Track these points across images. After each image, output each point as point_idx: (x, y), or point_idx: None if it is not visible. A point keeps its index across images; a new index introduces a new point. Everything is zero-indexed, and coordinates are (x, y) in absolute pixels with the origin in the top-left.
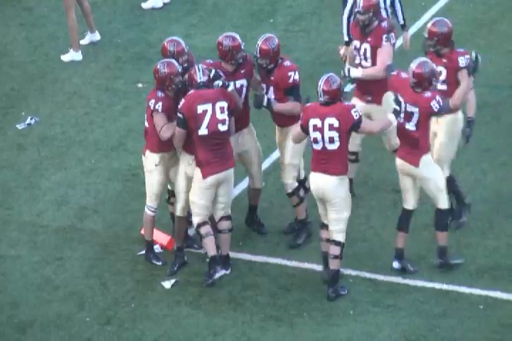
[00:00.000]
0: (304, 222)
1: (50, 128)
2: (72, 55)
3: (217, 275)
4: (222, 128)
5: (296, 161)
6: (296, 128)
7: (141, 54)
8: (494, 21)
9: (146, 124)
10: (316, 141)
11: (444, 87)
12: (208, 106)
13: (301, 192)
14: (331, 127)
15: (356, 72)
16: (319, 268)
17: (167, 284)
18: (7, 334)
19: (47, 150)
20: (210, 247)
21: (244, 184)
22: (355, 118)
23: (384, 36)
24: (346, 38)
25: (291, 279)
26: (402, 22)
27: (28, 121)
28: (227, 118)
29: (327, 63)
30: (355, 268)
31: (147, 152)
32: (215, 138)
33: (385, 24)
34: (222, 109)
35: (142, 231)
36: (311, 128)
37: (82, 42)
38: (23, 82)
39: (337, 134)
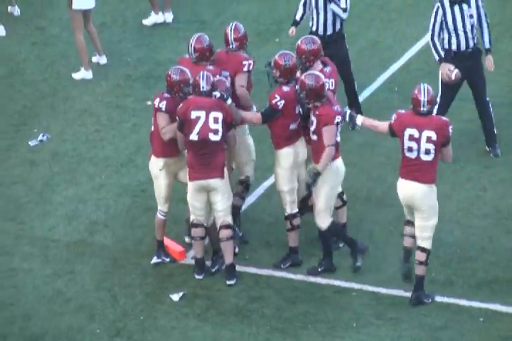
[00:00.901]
0: (293, 249)
1: (62, 144)
2: (83, 74)
3: (196, 276)
4: (214, 137)
5: (286, 188)
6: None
7: (150, 72)
8: (495, 40)
9: (152, 128)
10: (410, 150)
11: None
12: (202, 114)
13: (295, 221)
14: (429, 140)
15: None
16: (323, 281)
17: (175, 297)
18: None
19: (58, 167)
20: (197, 249)
21: (252, 199)
22: (450, 134)
23: None
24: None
25: (296, 292)
26: (488, 46)
27: (39, 137)
28: (220, 129)
29: None
30: (358, 281)
31: (152, 157)
32: (204, 145)
33: None
34: (215, 119)
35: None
36: (406, 137)
37: (93, 59)
38: (35, 100)
39: (433, 147)
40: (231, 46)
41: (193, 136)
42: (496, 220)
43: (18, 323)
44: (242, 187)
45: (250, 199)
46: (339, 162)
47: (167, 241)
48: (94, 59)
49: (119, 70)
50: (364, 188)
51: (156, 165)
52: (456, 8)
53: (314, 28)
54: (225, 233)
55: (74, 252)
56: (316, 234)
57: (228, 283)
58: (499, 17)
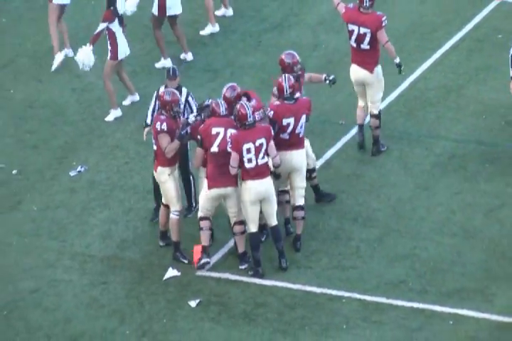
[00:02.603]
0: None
1: (97, 174)
2: (114, 113)
3: (202, 261)
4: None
5: None
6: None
7: None
8: (461, 87)
9: (155, 147)
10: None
11: None
12: (221, 130)
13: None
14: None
15: None
16: (318, 290)
17: (193, 303)
18: None
19: (94, 193)
20: (204, 238)
21: None
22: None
23: None
24: None
25: (294, 299)
26: None
27: (78, 169)
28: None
29: (325, 121)
30: (347, 290)
31: (159, 168)
32: (223, 156)
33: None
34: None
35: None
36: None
37: (124, 102)
38: (74, 137)
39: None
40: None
41: (214, 149)
42: (464, 238)
43: (60, 325)
44: None
45: None
46: (250, 183)
47: (198, 249)
48: (125, 102)
49: (144, 112)
50: (352, 211)
51: (164, 172)
52: None
53: None
54: (238, 228)
55: (107, 265)
56: (313, 247)
57: (240, 267)
58: (465, 66)
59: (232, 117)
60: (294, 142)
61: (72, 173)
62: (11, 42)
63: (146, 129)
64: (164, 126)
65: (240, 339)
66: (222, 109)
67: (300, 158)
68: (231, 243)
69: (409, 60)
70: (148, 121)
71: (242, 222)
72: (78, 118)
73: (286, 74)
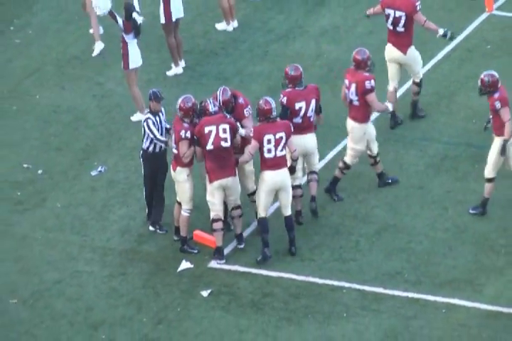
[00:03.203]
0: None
1: (116, 174)
2: (139, 116)
3: (218, 262)
4: (225, 144)
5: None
6: None
7: None
8: (453, 94)
9: (174, 151)
10: (270, 151)
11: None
12: (213, 128)
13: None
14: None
15: None
16: (320, 281)
17: (205, 293)
18: (83, 330)
19: (113, 192)
20: (218, 239)
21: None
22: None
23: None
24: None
25: (299, 289)
26: None
27: (99, 169)
28: (228, 137)
29: (326, 125)
30: (348, 281)
31: (178, 168)
32: (219, 151)
33: None
34: (224, 130)
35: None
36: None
37: (132, 118)
38: (95, 140)
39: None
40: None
41: (209, 146)
42: (455, 233)
43: (82, 314)
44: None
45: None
46: (267, 173)
47: (200, 234)
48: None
49: None
50: (352, 208)
51: (183, 172)
52: None
53: None
54: (236, 212)
55: (126, 258)
56: (316, 241)
57: (239, 246)
58: (456, 75)
59: (254, 112)
60: (306, 126)
61: (93, 173)
62: (37, 52)
63: (170, 141)
64: (188, 134)
65: (248, 327)
66: (212, 107)
67: (313, 141)
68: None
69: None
70: (159, 136)
71: (239, 207)
72: (98, 122)
73: (291, 65)
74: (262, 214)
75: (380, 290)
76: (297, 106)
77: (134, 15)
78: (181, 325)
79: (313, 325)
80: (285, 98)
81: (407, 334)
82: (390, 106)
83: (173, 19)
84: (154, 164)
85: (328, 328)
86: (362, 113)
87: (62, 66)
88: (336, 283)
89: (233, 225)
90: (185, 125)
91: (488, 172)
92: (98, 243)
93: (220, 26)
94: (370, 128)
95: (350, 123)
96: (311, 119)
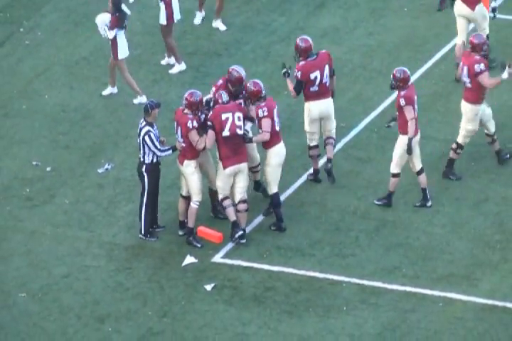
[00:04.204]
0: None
1: (122, 172)
2: (140, 99)
3: (237, 235)
4: (239, 131)
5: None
6: None
7: None
8: (450, 93)
9: (183, 144)
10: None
11: None
12: (229, 115)
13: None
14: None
15: None
16: (321, 275)
17: (208, 287)
18: (90, 323)
19: (120, 188)
20: (231, 214)
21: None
22: None
23: None
24: None
25: (300, 284)
26: None
27: (106, 166)
28: (242, 125)
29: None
30: (347, 275)
31: (185, 161)
32: (234, 138)
33: None
34: (239, 118)
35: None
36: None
37: (103, 92)
38: (102, 138)
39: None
40: None
41: (226, 133)
42: (452, 229)
43: (89, 307)
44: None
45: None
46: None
47: (204, 229)
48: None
49: (165, 115)
50: (351, 205)
51: (190, 165)
52: None
53: None
54: (242, 206)
55: (131, 253)
56: (316, 237)
57: (241, 241)
58: (453, 75)
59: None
60: (323, 91)
61: (100, 170)
62: (47, 53)
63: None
64: (195, 123)
65: (251, 320)
66: (225, 97)
67: (330, 106)
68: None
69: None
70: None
71: (246, 201)
72: (105, 121)
73: (300, 37)
74: (273, 190)
75: (379, 284)
76: (312, 76)
77: (123, 7)
78: (185, 318)
79: (313, 318)
80: (299, 72)
81: (405, 327)
82: (504, 75)
83: (175, 20)
84: (158, 174)
85: (328, 321)
86: (474, 94)
87: (71, 66)
88: (335, 277)
89: (237, 219)
90: (190, 116)
91: (393, 168)
92: (105, 238)
93: (216, 24)
94: (484, 109)
95: (464, 104)
96: (327, 85)
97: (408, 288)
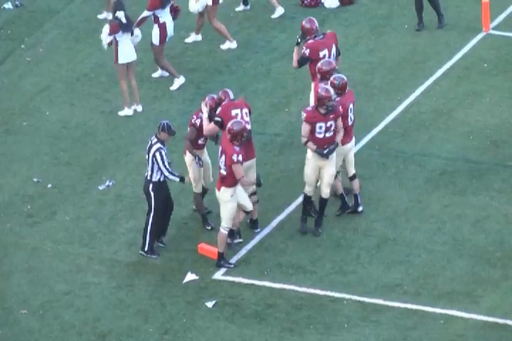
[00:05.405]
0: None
1: (124, 188)
2: (126, 112)
3: (236, 241)
4: (248, 126)
5: None
6: None
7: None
8: (451, 110)
9: (223, 172)
10: None
11: None
12: (238, 111)
13: None
14: None
15: None
16: (322, 292)
17: (209, 304)
18: (91, 340)
19: (121, 205)
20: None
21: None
22: None
23: None
24: None
25: (301, 301)
26: None
27: (107, 183)
28: (249, 121)
29: None
30: (348, 293)
31: (222, 188)
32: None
33: None
34: (246, 114)
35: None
36: None
37: (120, 113)
38: (103, 155)
39: None
40: None
41: None
42: (453, 246)
43: (90, 324)
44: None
45: (265, 230)
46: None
47: (205, 246)
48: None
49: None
50: (352, 222)
51: (227, 192)
52: None
53: None
54: (252, 198)
55: (133, 270)
56: (318, 254)
57: (256, 231)
58: (454, 92)
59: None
60: None
61: (101, 187)
62: (48, 69)
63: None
64: (240, 158)
65: (252, 337)
66: (231, 95)
67: None
68: (244, 251)
69: (404, 87)
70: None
71: (255, 193)
72: (107, 138)
73: (306, 18)
74: (308, 192)
75: (380, 301)
76: (321, 54)
77: (119, 14)
78: (187, 335)
79: (314, 335)
80: (308, 50)
81: None
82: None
83: (167, 40)
84: (166, 192)
85: (329, 338)
86: None
87: (72, 83)
88: (336, 294)
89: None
90: (236, 148)
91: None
92: (106, 255)
93: (225, 46)
94: None
95: None
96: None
97: (409, 306)
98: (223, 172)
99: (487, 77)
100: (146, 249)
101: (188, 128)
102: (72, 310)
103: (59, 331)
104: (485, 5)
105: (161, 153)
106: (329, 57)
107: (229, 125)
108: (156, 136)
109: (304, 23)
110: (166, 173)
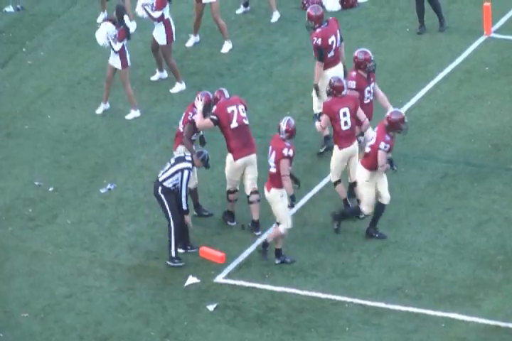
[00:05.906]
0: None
1: (125, 192)
2: (133, 114)
3: (230, 224)
4: (246, 122)
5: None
6: None
7: None
8: (452, 114)
9: (272, 170)
10: None
11: None
12: (234, 108)
13: None
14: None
15: None
16: (323, 295)
17: (211, 307)
18: None
19: (122, 209)
20: (230, 205)
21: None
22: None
23: None
24: None
25: (302, 304)
26: None
27: (108, 186)
28: (246, 116)
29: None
30: (350, 296)
31: (272, 189)
32: (242, 129)
33: None
34: (242, 110)
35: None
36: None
37: (98, 111)
38: (104, 158)
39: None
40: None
41: (234, 124)
42: (454, 250)
43: (91, 327)
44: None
45: (266, 233)
46: None
47: (207, 250)
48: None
49: (168, 135)
50: (354, 225)
51: (277, 194)
52: None
53: None
54: (254, 197)
55: (134, 273)
56: (319, 257)
57: (256, 234)
58: (455, 95)
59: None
60: (336, 56)
61: (102, 191)
62: (49, 73)
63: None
64: (291, 152)
65: (253, 340)
66: (226, 94)
67: (341, 71)
68: (245, 254)
69: (405, 90)
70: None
71: (257, 192)
72: (108, 141)
73: (312, 6)
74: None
75: (381, 304)
76: (330, 41)
77: (125, 18)
78: (188, 339)
79: (316, 338)
80: (320, 39)
81: None
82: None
83: (174, 39)
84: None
85: None
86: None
87: (73, 86)
88: (338, 297)
89: (250, 211)
90: (287, 144)
91: (332, 177)
92: (107, 258)
93: (225, 49)
94: None
95: None
96: (338, 49)
97: (410, 309)
98: (273, 170)
99: (488, 81)
100: (173, 257)
101: (183, 126)
102: (73, 313)
103: (60, 334)
104: (486, 8)
105: (189, 174)
106: (336, 43)
107: (283, 125)
108: (191, 157)
109: (311, 11)
110: (183, 192)
